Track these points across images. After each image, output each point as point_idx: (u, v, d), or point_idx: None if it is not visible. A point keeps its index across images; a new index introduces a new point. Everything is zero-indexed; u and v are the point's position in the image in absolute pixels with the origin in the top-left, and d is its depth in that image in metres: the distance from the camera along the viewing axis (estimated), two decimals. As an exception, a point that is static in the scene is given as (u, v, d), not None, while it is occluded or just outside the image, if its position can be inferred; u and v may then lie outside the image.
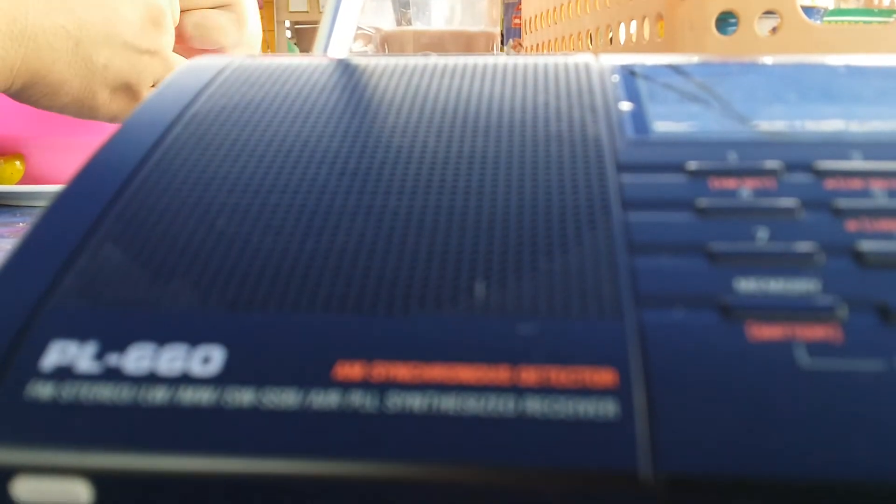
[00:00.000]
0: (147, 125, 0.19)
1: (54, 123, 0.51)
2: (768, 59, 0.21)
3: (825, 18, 0.48)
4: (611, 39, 0.52)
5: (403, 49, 0.55)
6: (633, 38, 0.50)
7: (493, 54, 0.59)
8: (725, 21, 0.44)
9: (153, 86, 0.51)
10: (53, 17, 0.42)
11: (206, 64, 0.22)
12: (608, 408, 0.12)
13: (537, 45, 0.71)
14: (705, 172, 0.16)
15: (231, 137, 0.18)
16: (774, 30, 0.44)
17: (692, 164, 0.16)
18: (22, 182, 0.52)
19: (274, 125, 0.19)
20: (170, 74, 0.22)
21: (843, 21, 0.48)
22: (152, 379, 0.13)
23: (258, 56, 0.23)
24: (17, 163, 0.52)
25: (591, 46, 0.55)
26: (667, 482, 0.11)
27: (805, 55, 0.22)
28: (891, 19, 0.45)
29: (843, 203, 0.15)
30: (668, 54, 0.22)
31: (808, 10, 0.43)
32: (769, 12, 0.43)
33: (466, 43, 0.54)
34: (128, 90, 0.46)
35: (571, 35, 0.60)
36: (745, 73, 0.20)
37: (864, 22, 0.48)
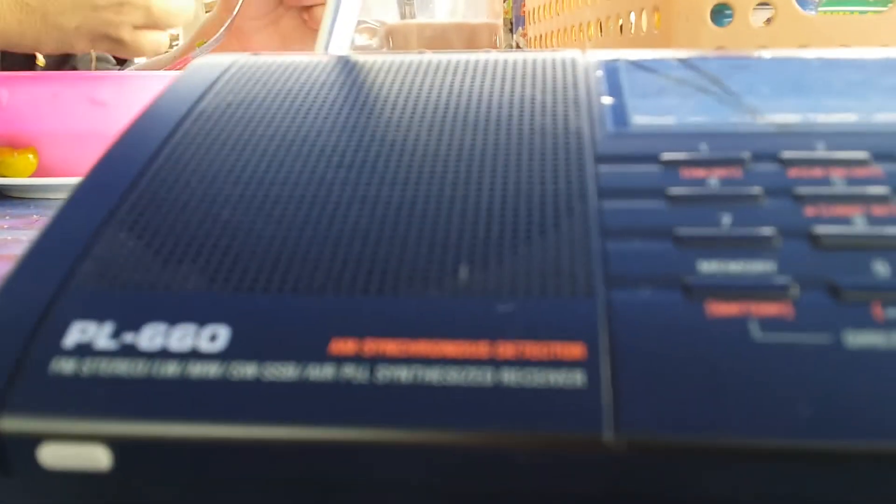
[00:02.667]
0: (158, 121, 0.20)
1: (67, 117, 0.52)
2: (747, 54, 0.22)
3: (820, 9, 0.49)
4: (621, 28, 0.53)
5: (407, 42, 0.55)
6: (632, 30, 0.50)
7: (496, 47, 0.60)
8: (721, 13, 0.45)
9: (137, 27, 0.54)
10: None
11: (212, 62, 0.23)
12: (576, 378, 0.13)
13: (540, 35, 0.72)
14: (677, 163, 0.17)
15: (236, 133, 0.20)
16: (769, 21, 0.45)
17: (665, 156, 0.18)
18: (35, 175, 0.53)
19: (276, 121, 0.20)
20: (185, 69, 0.23)
21: (837, 11, 0.49)
22: (164, 354, 0.14)
23: (261, 54, 0.24)
24: (30, 156, 0.53)
25: (590, 38, 0.56)
26: (628, 445, 0.12)
27: (787, 49, 0.23)
28: (885, 9, 0.46)
29: (803, 190, 0.16)
30: (653, 49, 0.23)
31: (803, 1, 0.44)
32: (763, 3, 0.44)
33: (469, 35, 0.55)
34: (106, 38, 0.50)
35: (573, 26, 0.61)
36: (724, 67, 0.22)
37: (859, 12, 0.49)
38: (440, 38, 0.54)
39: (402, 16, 0.55)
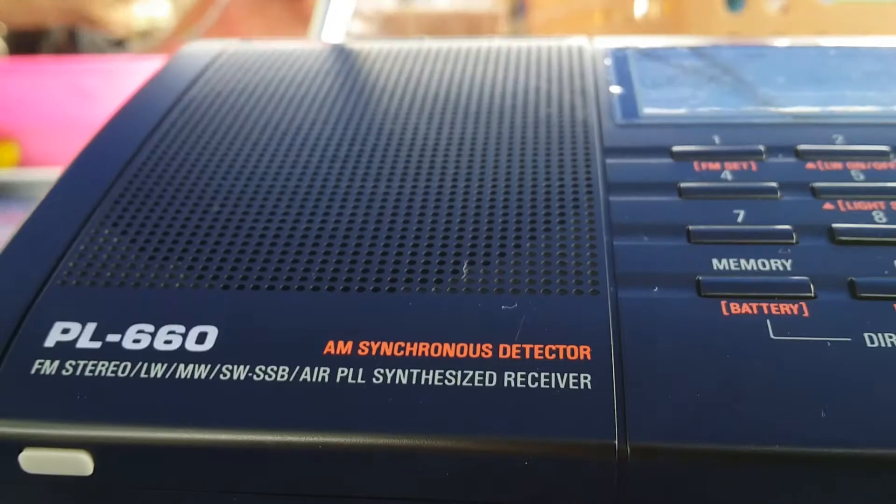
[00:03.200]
0: (144, 111, 0.19)
1: (51, 106, 0.51)
2: (759, 42, 0.22)
3: (835, -4, 0.48)
4: (630, 15, 0.52)
5: (405, 30, 0.55)
6: (641, 16, 0.49)
7: (496, 34, 0.58)
8: (733, -1, 0.44)
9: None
10: None
11: (202, 49, 0.22)
12: (582, 383, 0.12)
13: (545, 23, 0.71)
14: (689, 155, 0.17)
15: (226, 123, 0.19)
16: (785, 7, 0.43)
17: (677, 148, 0.17)
18: (18, 167, 0.52)
19: (268, 111, 0.19)
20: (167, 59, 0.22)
21: (854, 0, 0.48)
22: (149, 356, 0.13)
23: (252, 41, 0.23)
24: (13, 148, 0.52)
25: (597, 24, 0.55)
26: (632, 451, 0.12)
27: (802, 37, 0.22)
28: (902, -4, 0.45)
29: (821, 184, 0.15)
30: (663, 36, 0.23)
31: (818, -13, 0.43)
32: (778, -11, 0.43)
33: (469, 23, 0.54)
34: (75, 12, 0.52)
35: (580, 11, 0.59)
36: (736, 55, 0.21)
37: (876, 0, 0.48)
38: (439, 26, 0.53)
39: (400, 3, 0.54)
